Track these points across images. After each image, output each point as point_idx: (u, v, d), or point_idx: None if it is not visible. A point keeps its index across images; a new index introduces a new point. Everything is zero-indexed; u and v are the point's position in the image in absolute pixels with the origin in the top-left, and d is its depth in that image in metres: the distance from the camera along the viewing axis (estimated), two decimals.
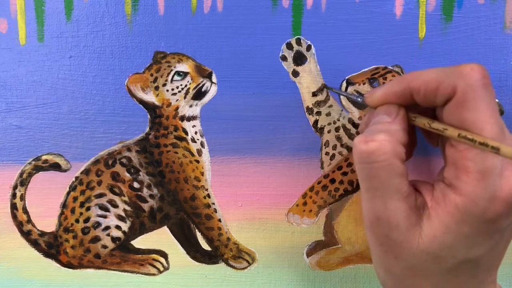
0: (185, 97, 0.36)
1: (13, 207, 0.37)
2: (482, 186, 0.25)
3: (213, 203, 0.37)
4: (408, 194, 0.27)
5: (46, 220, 0.37)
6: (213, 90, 0.36)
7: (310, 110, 0.36)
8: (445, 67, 0.27)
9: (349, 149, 0.36)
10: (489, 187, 0.24)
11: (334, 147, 0.36)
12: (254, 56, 0.35)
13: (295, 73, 0.36)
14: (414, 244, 0.26)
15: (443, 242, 0.26)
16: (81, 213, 0.37)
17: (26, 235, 0.37)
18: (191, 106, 0.36)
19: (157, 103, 0.36)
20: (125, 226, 0.37)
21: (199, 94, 0.36)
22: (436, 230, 0.26)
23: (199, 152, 0.36)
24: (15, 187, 0.37)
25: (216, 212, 0.37)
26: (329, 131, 0.36)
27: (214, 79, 0.36)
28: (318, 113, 0.36)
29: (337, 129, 0.36)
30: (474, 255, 0.26)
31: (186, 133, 0.36)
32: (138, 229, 0.37)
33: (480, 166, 0.25)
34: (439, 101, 0.26)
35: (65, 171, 0.37)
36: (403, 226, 0.26)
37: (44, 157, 0.37)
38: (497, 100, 0.30)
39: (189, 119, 0.36)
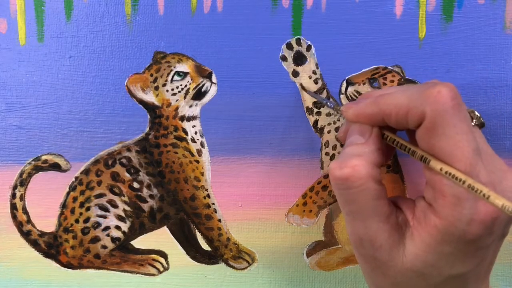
0: (185, 97, 0.36)
1: (13, 207, 0.37)
2: (459, 209, 0.24)
3: (213, 203, 0.37)
4: (389, 213, 0.27)
5: (46, 220, 0.37)
6: (213, 90, 0.36)
7: (310, 110, 0.36)
8: (415, 88, 0.26)
9: None
10: (465, 210, 0.24)
11: (334, 147, 0.36)
12: (254, 56, 0.35)
13: (295, 73, 0.36)
14: (399, 262, 0.26)
15: (426, 261, 0.26)
16: (80, 213, 0.37)
17: (26, 235, 0.37)
18: (191, 106, 0.36)
19: (157, 103, 0.36)
20: (125, 226, 0.37)
21: (199, 94, 0.36)
22: (418, 249, 0.26)
23: (199, 152, 0.36)
24: (14, 187, 0.37)
25: (216, 212, 0.37)
26: (329, 131, 0.36)
27: (214, 79, 0.36)
28: (318, 113, 0.36)
29: (337, 129, 0.36)
30: (459, 271, 0.26)
31: (186, 133, 0.36)
32: (138, 229, 0.37)
33: (455, 190, 0.24)
34: (411, 125, 0.26)
35: (65, 171, 0.37)
36: (386, 246, 0.26)
37: (44, 157, 0.37)
38: (477, 113, 0.29)
39: (189, 119, 0.36)
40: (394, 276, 0.27)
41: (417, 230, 0.26)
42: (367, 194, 0.26)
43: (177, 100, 0.36)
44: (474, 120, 0.29)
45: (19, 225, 0.37)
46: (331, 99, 0.35)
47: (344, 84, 0.35)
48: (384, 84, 0.35)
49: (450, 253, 0.25)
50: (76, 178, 0.37)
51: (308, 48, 0.35)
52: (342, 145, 0.36)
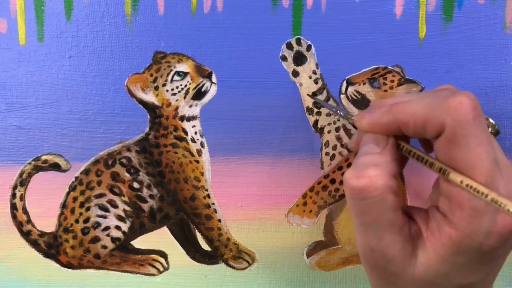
0: (185, 97, 0.36)
1: (13, 207, 0.37)
2: (477, 222, 0.24)
3: (213, 203, 0.37)
4: (402, 225, 0.26)
5: (46, 220, 0.37)
6: (213, 90, 0.36)
7: (310, 110, 0.36)
8: (432, 97, 0.25)
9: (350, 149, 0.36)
10: (484, 223, 0.24)
11: (334, 147, 0.36)
12: (254, 56, 0.35)
13: (295, 73, 0.36)
14: (410, 273, 0.26)
15: (438, 271, 0.25)
16: (80, 213, 0.37)
17: (26, 235, 0.37)
18: (191, 106, 0.36)
19: (157, 103, 0.36)
20: (125, 227, 0.37)
21: (199, 94, 0.36)
22: (431, 260, 0.25)
23: (199, 152, 0.36)
24: (14, 187, 0.37)
25: (216, 212, 0.37)
26: (329, 131, 0.36)
27: (214, 79, 0.36)
28: (318, 113, 0.36)
29: (337, 129, 0.36)
30: (470, 281, 0.26)
31: (186, 133, 0.36)
32: (138, 229, 0.37)
33: (474, 203, 0.24)
34: (429, 135, 0.25)
35: (65, 171, 0.37)
36: (399, 257, 0.26)
37: (44, 157, 0.37)
38: (491, 121, 0.29)
39: (189, 119, 0.36)
40: (404, 285, 0.27)
41: (430, 241, 0.26)
42: (383, 206, 0.25)
43: (177, 100, 0.36)
44: (490, 128, 0.28)
45: (19, 225, 0.37)
46: (341, 107, 0.35)
47: (344, 84, 0.35)
48: (384, 84, 0.35)
49: (463, 264, 0.25)
50: (76, 178, 0.37)
51: (308, 48, 0.35)
52: (342, 145, 0.36)
